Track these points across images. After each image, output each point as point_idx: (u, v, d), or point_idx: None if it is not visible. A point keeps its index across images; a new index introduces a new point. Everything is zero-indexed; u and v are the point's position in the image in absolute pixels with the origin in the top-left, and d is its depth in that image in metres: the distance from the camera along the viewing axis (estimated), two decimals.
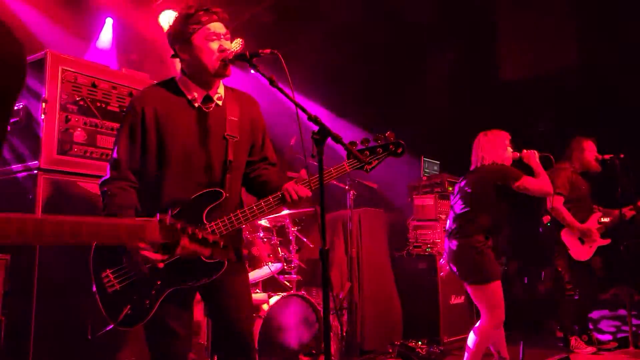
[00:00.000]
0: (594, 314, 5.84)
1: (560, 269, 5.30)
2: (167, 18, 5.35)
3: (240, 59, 2.35)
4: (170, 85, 2.44)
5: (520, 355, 3.67)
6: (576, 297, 5.25)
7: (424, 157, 6.08)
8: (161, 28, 5.36)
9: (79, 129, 3.04)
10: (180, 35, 2.37)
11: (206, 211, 2.27)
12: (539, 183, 3.80)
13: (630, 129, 5.76)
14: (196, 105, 2.40)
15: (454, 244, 3.84)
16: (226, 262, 2.28)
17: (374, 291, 5.38)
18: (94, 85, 3.13)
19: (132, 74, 3.38)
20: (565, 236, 5.23)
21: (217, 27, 2.36)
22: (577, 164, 5.37)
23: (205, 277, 2.28)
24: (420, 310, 5.44)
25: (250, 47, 5.78)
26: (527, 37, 5.84)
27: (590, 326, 5.63)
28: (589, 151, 5.35)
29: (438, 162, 6.32)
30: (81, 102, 3.05)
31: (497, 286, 3.65)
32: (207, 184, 2.34)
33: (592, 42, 5.82)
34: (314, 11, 5.98)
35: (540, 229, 5.45)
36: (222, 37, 2.37)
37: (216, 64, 2.35)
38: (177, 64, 2.50)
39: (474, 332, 3.76)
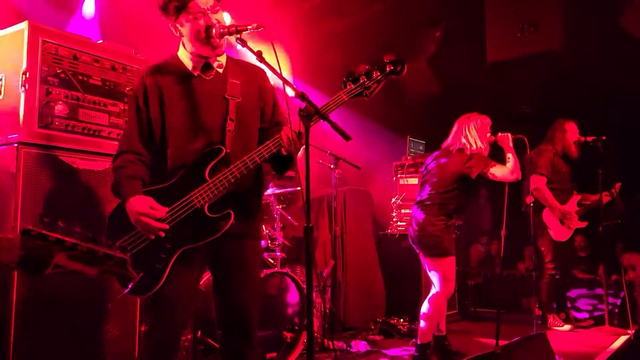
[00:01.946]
0: (572, 293, 5.97)
1: (542, 249, 5.39)
2: None
3: (227, 34, 2.32)
4: (171, 59, 2.46)
5: (496, 333, 3.75)
6: (557, 277, 5.35)
7: (410, 136, 6.09)
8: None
9: (61, 102, 2.97)
10: (168, 15, 2.37)
11: (208, 169, 2.29)
12: (504, 170, 3.94)
13: (613, 112, 5.82)
14: (196, 73, 2.41)
15: (420, 217, 4.07)
16: (232, 218, 2.26)
17: (357, 269, 5.42)
18: (75, 58, 3.04)
19: (114, 47, 3.30)
20: (547, 217, 5.31)
21: (202, 2, 2.32)
22: (559, 146, 5.42)
23: (211, 235, 2.27)
24: (403, 288, 5.50)
25: (238, 21, 5.70)
26: (514, 19, 5.83)
27: (568, 304, 5.76)
28: (571, 133, 5.41)
29: (423, 142, 6.34)
30: (62, 75, 2.98)
31: (451, 261, 3.99)
32: (210, 145, 2.34)
33: (578, 24, 5.83)
34: None
35: (523, 209, 5.52)
36: (208, 11, 2.33)
37: (204, 42, 2.34)
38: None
39: (428, 301, 4.03)
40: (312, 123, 2.20)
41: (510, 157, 3.99)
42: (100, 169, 3.13)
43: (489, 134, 4.10)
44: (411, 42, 6.69)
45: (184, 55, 2.44)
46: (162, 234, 2.22)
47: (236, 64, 2.53)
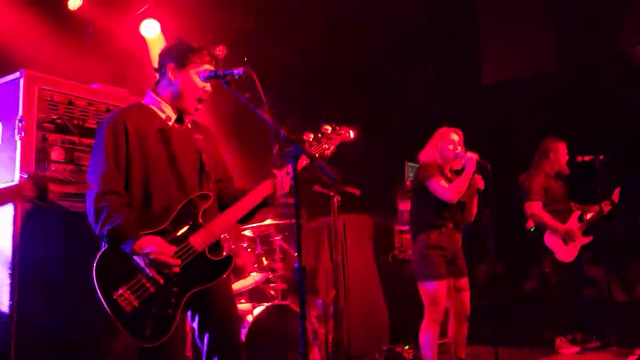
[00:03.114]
0: (579, 314, 5.89)
1: (547, 270, 5.33)
2: (148, 27, 5.34)
3: (214, 77, 2.46)
4: (140, 107, 2.57)
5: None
6: (563, 298, 5.28)
7: (408, 161, 6.11)
8: (142, 38, 5.35)
9: (57, 147, 3.04)
10: (178, 59, 2.50)
11: (201, 213, 2.40)
12: (442, 187, 3.74)
13: (609, 131, 5.82)
14: (170, 123, 2.54)
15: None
16: (233, 261, 2.42)
17: (360, 297, 5.39)
18: (70, 103, 3.14)
19: (109, 90, 3.40)
20: (549, 240, 5.25)
21: (211, 67, 2.53)
22: (548, 167, 5.38)
23: (215, 277, 2.38)
24: (406, 314, 5.45)
25: (229, 55, 5.78)
26: (508, 41, 5.90)
27: (576, 326, 5.68)
28: (562, 153, 5.38)
29: None
30: (58, 121, 3.06)
31: (434, 286, 3.76)
32: (190, 193, 2.45)
33: (570, 44, 5.88)
34: (294, 13, 5.98)
35: (527, 235, 5.46)
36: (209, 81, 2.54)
37: (194, 100, 2.52)
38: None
39: (421, 328, 3.93)
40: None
41: (459, 178, 3.79)
42: None
43: (459, 149, 3.90)
44: (407, 69, 6.75)
45: (157, 104, 2.54)
46: (178, 270, 2.25)
47: (193, 122, 2.68)
